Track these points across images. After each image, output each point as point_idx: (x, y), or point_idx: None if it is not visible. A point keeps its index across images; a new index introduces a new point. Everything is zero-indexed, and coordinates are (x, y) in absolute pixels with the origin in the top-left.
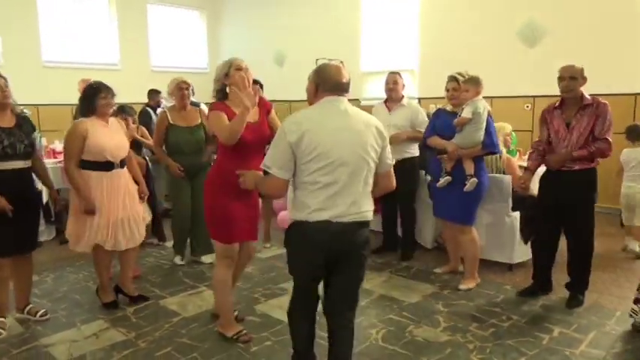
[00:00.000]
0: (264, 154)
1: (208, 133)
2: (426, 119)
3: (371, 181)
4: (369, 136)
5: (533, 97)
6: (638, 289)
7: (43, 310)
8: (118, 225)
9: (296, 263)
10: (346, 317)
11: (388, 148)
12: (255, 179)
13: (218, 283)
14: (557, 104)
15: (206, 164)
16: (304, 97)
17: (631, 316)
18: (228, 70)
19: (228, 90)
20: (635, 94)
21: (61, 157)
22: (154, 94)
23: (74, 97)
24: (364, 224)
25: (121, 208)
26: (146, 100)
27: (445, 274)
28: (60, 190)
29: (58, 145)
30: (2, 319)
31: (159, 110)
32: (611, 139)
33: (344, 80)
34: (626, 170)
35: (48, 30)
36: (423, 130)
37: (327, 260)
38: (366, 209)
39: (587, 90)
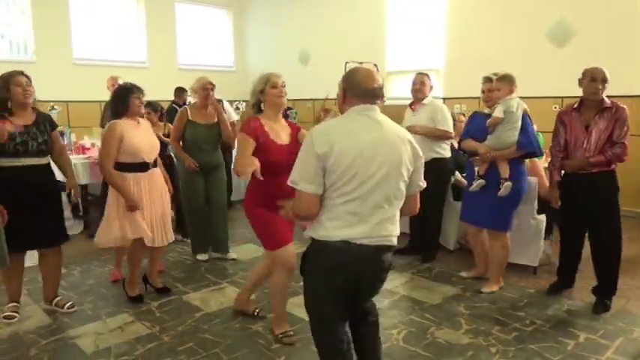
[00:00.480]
0: None
1: (223, 131)
2: (448, 117)
3: (399, 202)
4: (404, 152)
5: (562, 97)
6: None
7: (70, 303)
8: (159, 222)
9: (316, 291)
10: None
11: (422, 169)
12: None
13: (274, 290)
14: (575, 106)
15: (221, 162)
16: (328, 95)
17: None
18: (264, 87)
19: (263, 106)
20: None
21: (89, 153)
22: (180, 91)
23: (103, 95)
24: (388, 249)
25: (160, 206)
26: (173, 98)
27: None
28: (88, 185)
29: (87, 141)
30: (16, 303)
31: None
32: (627, 143)
33: (374, 85)
34: None
35: (79, 28)
36: (442, 128)
37: (347, 287)
38: (392, 233)
39: (613, 91)
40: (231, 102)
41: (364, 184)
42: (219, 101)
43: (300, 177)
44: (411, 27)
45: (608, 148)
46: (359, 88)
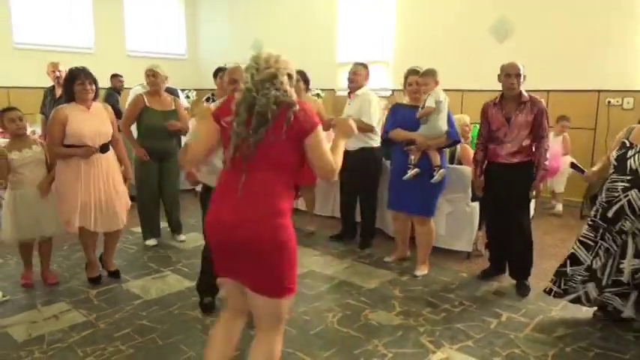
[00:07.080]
0: None
1: (180, 117)
2: (374, 110)
3: None
4: None
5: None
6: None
7: (0, 293)
8: (96, 208)
9: None
10: None
11: None
12: None
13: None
14: (496, 100)
15: (175, 149)
16: None
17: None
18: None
19: None
20: (599, 91)
21: None
22: (115, 77)
23: (46, 81)
24: None
25: (100, 192)
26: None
27: (398, 261)
28: None
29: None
30: None
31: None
32: (546, 137)
33: None
34: None
35: (19, 10)
36: (365, 121)
37: None
38: None
39: (551, 85)
40: (182, 90)
41: None
42: (175, 93)
43: None
44: (362, 19)
45: (537, 154)
46: None
